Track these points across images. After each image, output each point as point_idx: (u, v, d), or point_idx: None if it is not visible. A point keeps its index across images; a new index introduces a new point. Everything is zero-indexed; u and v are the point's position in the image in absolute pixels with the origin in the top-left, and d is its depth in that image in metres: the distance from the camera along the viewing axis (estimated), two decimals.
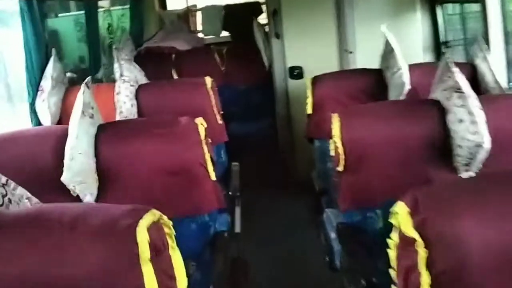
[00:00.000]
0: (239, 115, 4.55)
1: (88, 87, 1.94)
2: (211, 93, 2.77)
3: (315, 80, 2.87)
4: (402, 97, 2.63)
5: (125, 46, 4.53)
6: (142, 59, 4.65)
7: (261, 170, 3.97)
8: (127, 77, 2.67)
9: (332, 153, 2.07)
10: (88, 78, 1.96)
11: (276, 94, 3.99)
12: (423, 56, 3.63)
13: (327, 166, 2.81)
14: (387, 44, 2.73)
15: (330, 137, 2.82)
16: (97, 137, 1.89)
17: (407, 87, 2.57)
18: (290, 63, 3.81)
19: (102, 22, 4.20)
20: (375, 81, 2.80)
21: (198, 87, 2.75)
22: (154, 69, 4.54)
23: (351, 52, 3.59)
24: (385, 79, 2.76)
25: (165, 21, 5.53)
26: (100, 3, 4.25)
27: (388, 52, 2.72)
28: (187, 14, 5.59)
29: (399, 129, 1.91)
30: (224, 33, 5.56)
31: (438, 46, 3.64)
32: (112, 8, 4.49)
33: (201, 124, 1.97)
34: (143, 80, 2.85)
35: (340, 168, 1.96)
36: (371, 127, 1.93)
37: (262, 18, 5.14)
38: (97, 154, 1.87)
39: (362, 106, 2.24)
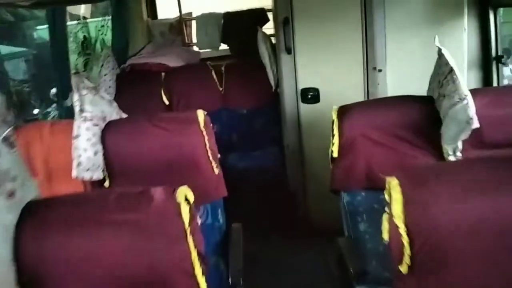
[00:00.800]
0: (239, 145, 3.89)
1: (11, 144, 1.27)
2: (205, 132, 2.09)
3: (343, 111, 2.19)
4: (464, 136, 1.96)
5: (106, 63, 3.88)
6: (126, 78, 4.01)
7: (266, 220, 3.28)
8: (90, 113, 1.99)
9: (385, 237, 1.38)
10: (9, 131, 1.28)
11: (285, 122, 3.30)
12: (467, 74, 2.95)
13: (359, 229, 2.15)
14: (442, 63, 2.07)
15: (365, 187, 2.17)
16: (19, 228, 1.20)
17: (475, 124, 1.90)
18: (303, 84, 3.13)
19: (74, 35, 3.53)
20: (424, 114, 2.13)
21: (188, 126, 2.09)
22: (140, 90, 3.91)
23: (380, 70, 2.91)
24: (439, 111, 2.09)
25: (154, 32, 4.86)
26: (74, 12, 3.59)
27: (443, 75, 2.05)
28: (181, 24, 4.91)
29: (499, 207, 1.22)
30: (223, 46, 4.86)
31: (488, 62, 2.97)
32: (89, 19, 3.81)
33: (186, 199, 1.28)
34: (115, 115, 2.16)
35: (403, 269, 1.27)
36: (456, 204, 1.24)
37: (268, 28, 4.46)
38: (17, 257, 1.17)
39: (438, 166, 1.56)
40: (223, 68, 4.04)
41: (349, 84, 3.01)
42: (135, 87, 3.98)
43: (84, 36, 3.65)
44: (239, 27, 4.69)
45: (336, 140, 2.14)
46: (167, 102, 3.94)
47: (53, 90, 4.38)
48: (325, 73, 3.05)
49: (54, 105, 4.30)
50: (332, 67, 3.02)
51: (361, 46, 2.93)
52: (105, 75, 3.85)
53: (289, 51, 3.06)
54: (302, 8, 2.95)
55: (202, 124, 2.09)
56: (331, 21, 2.92)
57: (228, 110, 3.96)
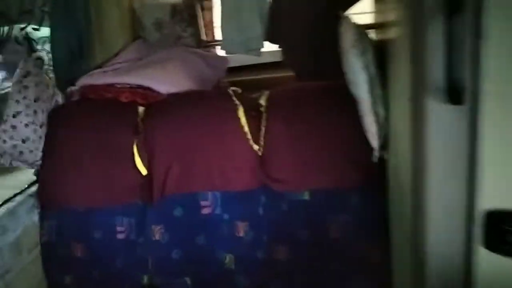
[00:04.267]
0: (293, 272, 1.98)
1: None
2: None
3: None
4: None
5: (18, 90, 2.06)
6: (69, 116, 2.18)
7: None
8: None
9: None
10: None
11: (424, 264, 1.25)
12: None
13: None
14: None
15: None
16: None
17: None
18: (495, 199, 1.07)
19: None
20: None
21: None
22: (93, 143, 2.18)
23: None
24: None
25: (145, 22, 2.93)
26: None
27: None
28: (193, 7, 2.95)
29: None
30: (270, 47, 2.90)
31: None
32: None
33: None
34: None
35: None
36: None
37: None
38: None
39: None
40: (262, 101, 2.09)
41: None
42: (83, 136, 2.20)
43: None
44: (300, 12, 2.63)
45: None
46: (144, 171, 2.12)
47: None
48: None
49: None
50: None
51: None
52: (14, 115, 2.01)
53: (457, 95, 1.00)
54: None
55: None
56: None
57: (270, 192, 2.03)
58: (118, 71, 2.45)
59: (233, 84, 2.99)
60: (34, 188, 2.21)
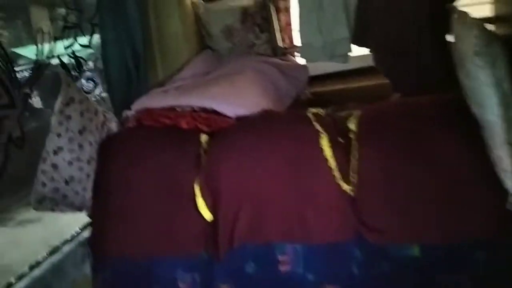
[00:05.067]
0: None
1: None
2: None
3: None
4: None
5: (60, 122, 1.81)
6: (125, 146, 2.00)
7: None
8: None
9: None
10: None
11: None
12: None
13: None
14: None
15: None
16: None
17: None
18: None
19: None
20: None
21: None
22: (147, 180, 1.86)
23: None
24: None
25: (212, 30, 2.62)
26: None
27: None
28: (267, 10, 2.59)
29: None
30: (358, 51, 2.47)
31: None
32: None
33: None
34: None
35: None
36: None
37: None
38: None
39: None
40: (352, 125, 1.68)
41: None
42: (137, 172, 1.88)
43: None
44: (396, 6, 2.18)
45: None
46: (208, 216, 1.75)
47: None
48: None
49: None
50: None
51: None
52: (55, 152, 1.75)
53: None
54: None
55: None
56: None
57: (367, 245, 1.62)
58: (179, 91, 2.14)
59: (317, 95, 2.61)
60: (86, 233, 1.96)
